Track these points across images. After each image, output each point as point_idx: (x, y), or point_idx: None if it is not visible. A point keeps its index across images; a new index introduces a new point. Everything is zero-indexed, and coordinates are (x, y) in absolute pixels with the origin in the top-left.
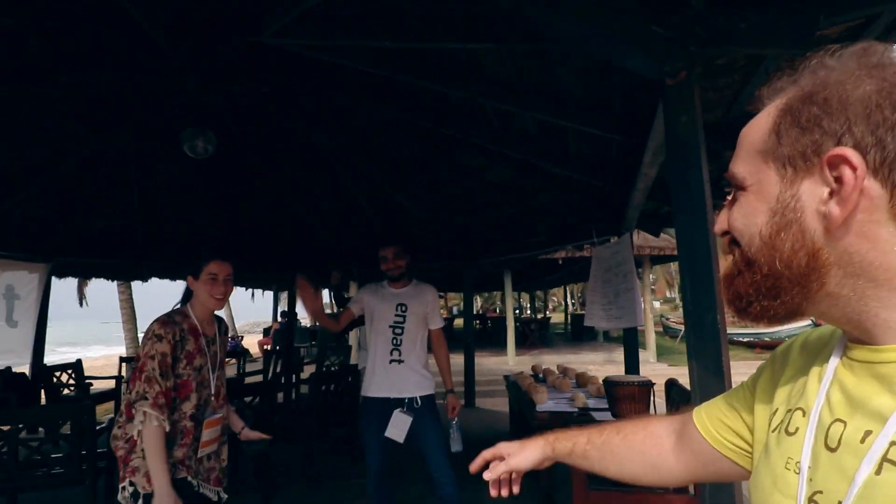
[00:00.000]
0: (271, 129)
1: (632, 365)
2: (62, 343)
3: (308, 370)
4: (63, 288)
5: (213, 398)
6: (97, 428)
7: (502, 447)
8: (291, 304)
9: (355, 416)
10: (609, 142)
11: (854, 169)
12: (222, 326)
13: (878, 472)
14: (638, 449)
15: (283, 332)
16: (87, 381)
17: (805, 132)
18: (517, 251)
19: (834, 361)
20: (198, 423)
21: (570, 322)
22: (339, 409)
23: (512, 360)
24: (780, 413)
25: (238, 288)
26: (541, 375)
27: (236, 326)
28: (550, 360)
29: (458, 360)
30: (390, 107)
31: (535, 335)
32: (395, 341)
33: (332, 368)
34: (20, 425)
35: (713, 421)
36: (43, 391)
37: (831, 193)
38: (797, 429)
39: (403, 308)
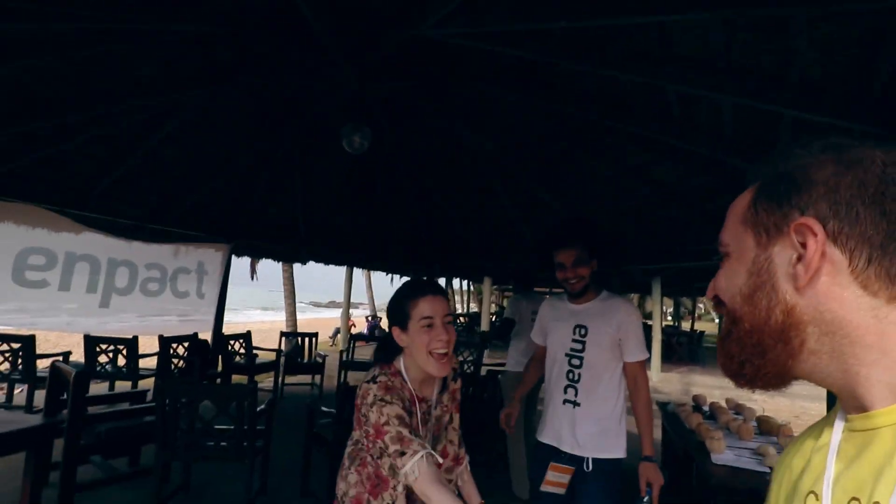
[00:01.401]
0: (420, 125)
1: None
2: (243, 307)
3: None
4: (240, 264)
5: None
6: (258, 409)
7: None
8: None
9: (493, 428)
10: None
11: (815, 235)
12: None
13: None
14: None
15: None
16: (254, 350)
17: (777, 205)
18: (679, 259)
19: (836, 436)
20: None
21: None
22: (478, 418)
23: (656, 376)
24: (795, 498)
25: (378, 272)
26: (706, 409)
27: (376, 306)
28: (702, 382)
29: None
30: (548, 98)
31: (683, 349)
32: (570, 375)
33: (466, 367)
34: (195, 399)
35: None
36: (220, 357)
37: (799, 258)
38: None
39: (583, 331)
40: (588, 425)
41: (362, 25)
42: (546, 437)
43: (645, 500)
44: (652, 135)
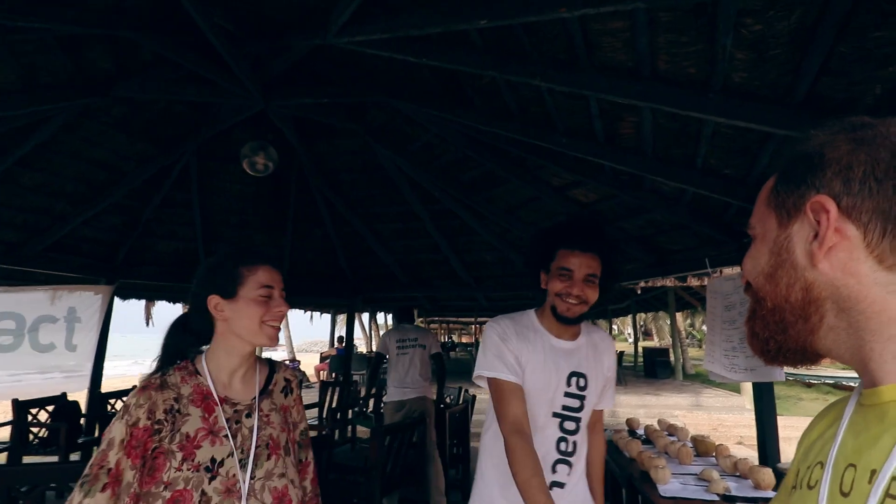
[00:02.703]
0: (336, 146)
1: (768, 433)
2: (134, 355)
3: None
4: (134, 305)
5: None
6: None
7: None
8: (350, 331)
9: (420, 475)
10: (759, 148)
11: (827, 212)
12: (276, 378)
13: None
14: None
15: (340, 360)
16: None
17: (795, 186)
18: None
19: (849, 410)
20: None
21: (641, 355)
22: (406, 467)
23: None
24: (802, 470)
25: (295, 310)
26: (641, 433)
27: (294, 347)
28: (628, 402)
29: None
30: (467, 116)
31: None
32: (563, 446)
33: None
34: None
35: None
36: (97, 420)
37: (815, 235)
38: (816, 482)
39: (582, 382)
40: None
41: (262, 33)
42: None
43: None
44: (575, 153)
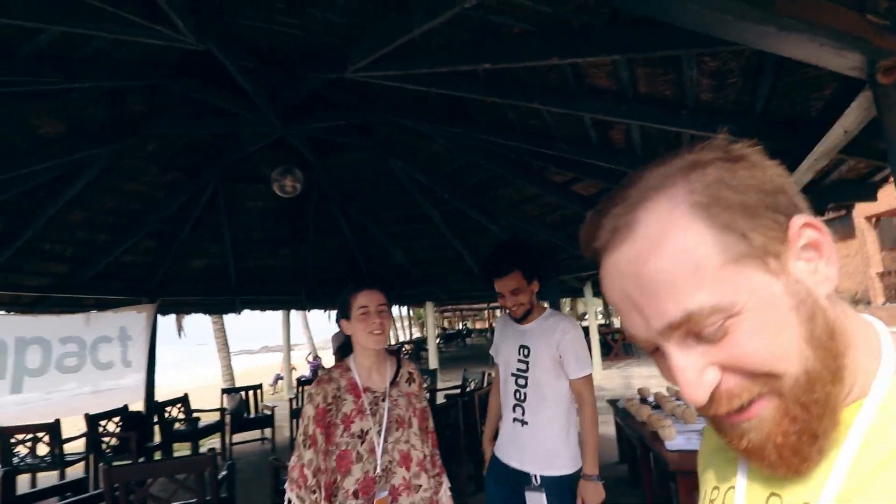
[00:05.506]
0: (349, 159)
1: None
2: (170, 365)
3: None
4: (167, 319)
5: (380, 475)
6: (218, 477)
7: None
8: None
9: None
10: None
11: (819, 230)
12: (402, 372)
13: None
14: None
15: None
16: (195, 413)
17: (761, 216)
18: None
19: None
20: None
21: None
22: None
23: (598, 374)
24: (715, 493)
25: (318, 310)
26: (651, 400)
27: (315, 345)
28: (640, 374)
29: None
30: (473, 130)
31: (619, 345)
32: (518, 395)
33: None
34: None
35: None
36: (157, 426)
37: (806, 262)
38: None
39: (526, 351)
40: (535, 444)
41: (281, 69)
42: (498, 451)
43: None
44: (572, 156)
